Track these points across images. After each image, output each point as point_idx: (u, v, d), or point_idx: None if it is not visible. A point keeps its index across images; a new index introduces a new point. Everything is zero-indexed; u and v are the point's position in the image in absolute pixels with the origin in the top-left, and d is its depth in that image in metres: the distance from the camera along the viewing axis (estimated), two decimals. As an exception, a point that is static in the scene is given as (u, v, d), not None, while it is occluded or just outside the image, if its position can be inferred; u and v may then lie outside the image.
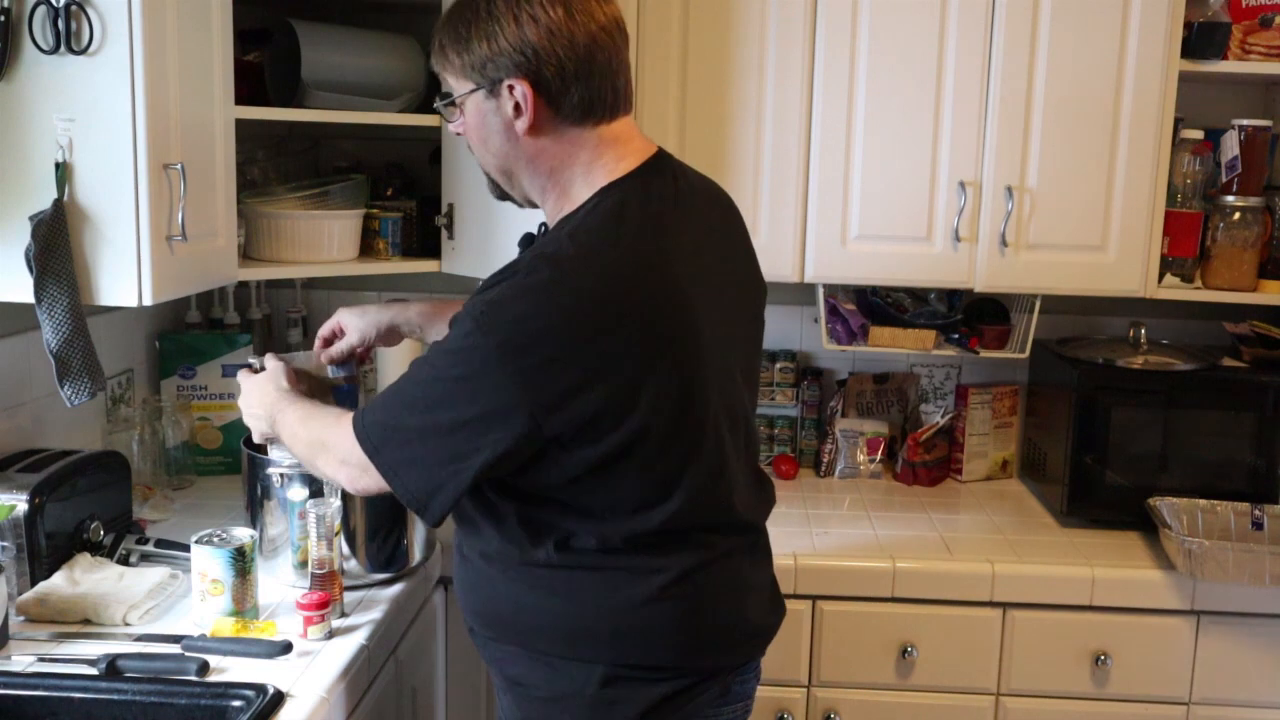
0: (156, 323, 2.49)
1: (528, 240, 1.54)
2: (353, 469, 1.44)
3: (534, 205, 1.51)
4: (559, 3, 1.35)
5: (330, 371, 1.81)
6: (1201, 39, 2.32)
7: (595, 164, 1.42)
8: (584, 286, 1.31)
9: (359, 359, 1.84)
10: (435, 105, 1.49)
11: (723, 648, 1.50)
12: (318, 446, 1.51)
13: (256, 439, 1.72)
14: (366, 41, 2.34)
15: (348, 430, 1.43)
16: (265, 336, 2.67)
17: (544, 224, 1.52)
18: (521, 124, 1.39)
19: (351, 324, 1.80)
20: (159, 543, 1.92)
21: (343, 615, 1.78)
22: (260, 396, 1.66)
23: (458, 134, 1.48)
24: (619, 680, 1.45)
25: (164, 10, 1.70)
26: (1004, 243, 2.36)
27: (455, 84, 1.43)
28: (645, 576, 1.43)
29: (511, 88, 1.37)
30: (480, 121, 1.43)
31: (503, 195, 1.53)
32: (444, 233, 2.41)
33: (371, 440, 1.40)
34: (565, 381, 1.31)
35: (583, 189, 1.42)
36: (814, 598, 2.19)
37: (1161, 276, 2.42)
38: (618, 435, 1.35)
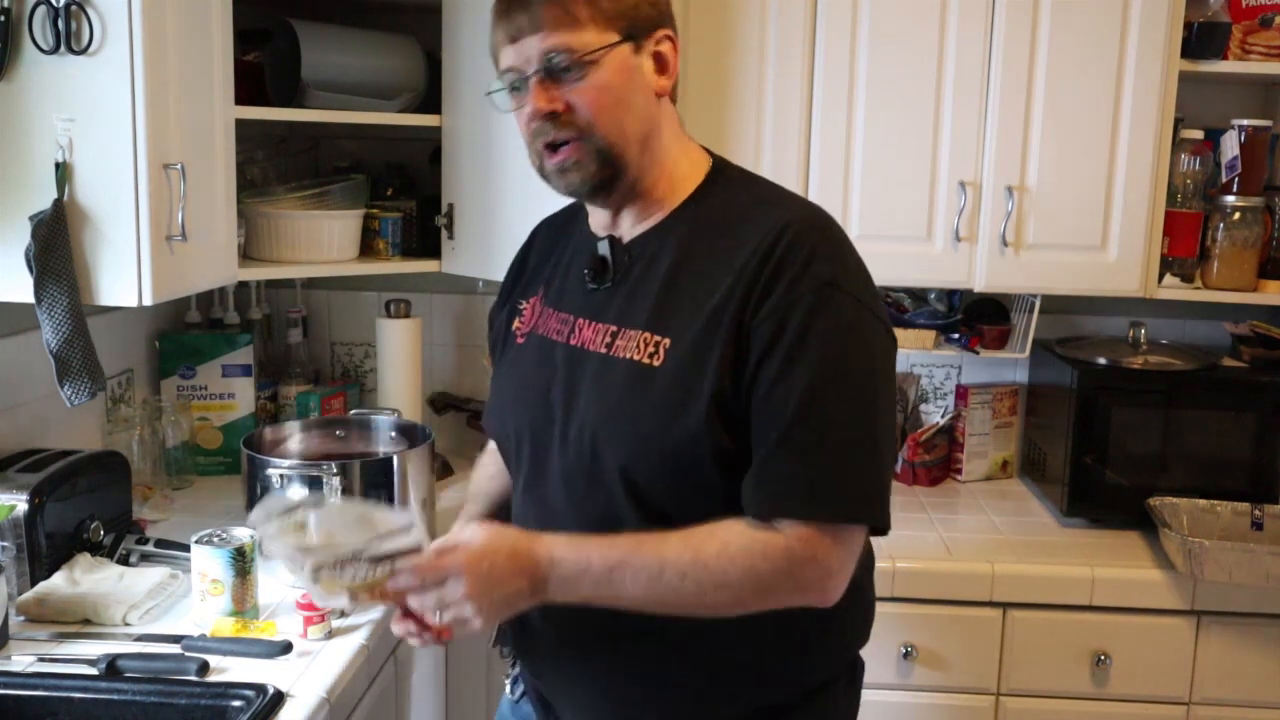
0: (156, 323, 2.49)
1: (600, 264, 1.33)
2: (845, 563, 1.22)
3: (624, 199, 1.31)
4: None
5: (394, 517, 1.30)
6: (1201, 39, 2.32)
7: (683, 137, 1.35)
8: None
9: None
10: (556, 64, 1.23)
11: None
12: (764, 579, 1.19)
13: (491, 624, 1.23)
14: (366, 41, 2.34)
15: (808, 532, 1.18)
16: (265, 336, 2.67)
17: (612, 237, 1.33)
18: (665, 81, 1.29)
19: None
20: (159, 543, 1.92)
21: (342, 615, 1.78)
22: (515, 568, 1.19)
23: (553, 110, 1.24)
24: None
25: (164, 10, 1.70)
26: (1004, 243, 2.36)
27: (593, 37, 1.23)
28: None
29: (661, 40, 1.28)
30: (626, 79, 1.26)
31: (604, 184, 1.28)
32: (444, 233, 2.41)
33: (869, 506, 1.21)
34: None
35: (684, 165, 1.33)
36: (814, 598, 2.19)
37: (1161, 276, 2.41)
38: None
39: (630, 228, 1.34)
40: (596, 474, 1.26)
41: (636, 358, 1.25)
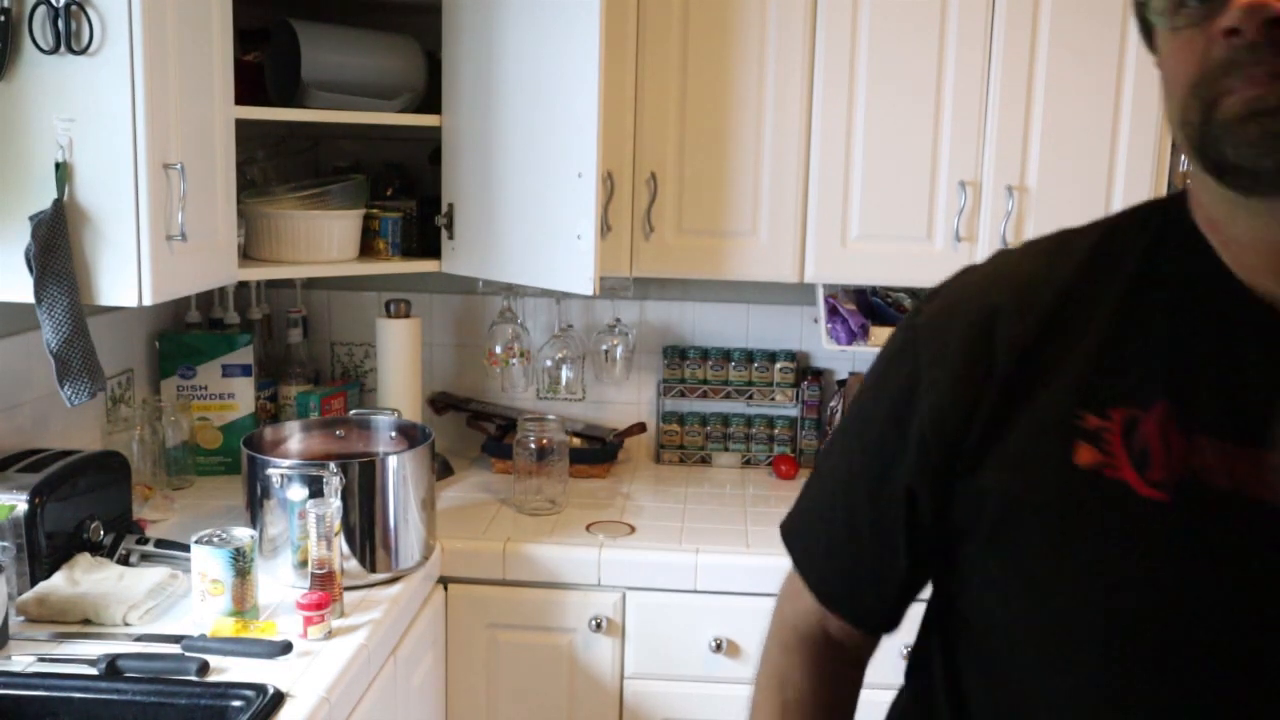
0: (156, 323, 2.49)
1: None
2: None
3: None
4: None
5: None
6: (1201, 39, 2.32)
7: None
8: None
9: None
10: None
11: None
12: None
13: None
14: (366, 41, 2.34)
15: None
16: (265, 336, 2.67)
17: None
18: None
19: None
20: (159, 543, 1.92)
21: (342, 615, 1.79)
22: None
23: None
24: None
25: (164, 10, 1.70)
26: (1005, 242, 2.36)
27: None
28: None
29: None
30: None
31: None
32: (444, 233, 2.41)
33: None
34: None
35: None
36: (814, 598, 2.19)
37: (1161, 276, 2.41)
38: None
39: None
40: None
41: None
